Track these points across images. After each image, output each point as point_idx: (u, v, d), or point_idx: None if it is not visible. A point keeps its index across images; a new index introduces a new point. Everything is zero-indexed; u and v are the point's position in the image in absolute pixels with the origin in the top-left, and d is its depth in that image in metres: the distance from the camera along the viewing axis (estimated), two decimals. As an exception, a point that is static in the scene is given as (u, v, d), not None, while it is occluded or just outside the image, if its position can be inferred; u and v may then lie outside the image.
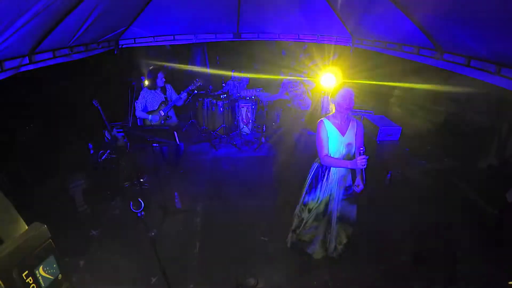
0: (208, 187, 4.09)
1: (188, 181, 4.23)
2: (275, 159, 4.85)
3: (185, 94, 3.74)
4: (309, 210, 2.54)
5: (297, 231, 2.70)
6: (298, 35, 5.49)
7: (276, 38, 5.72)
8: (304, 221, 2.60)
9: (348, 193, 2.51)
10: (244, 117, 5.74)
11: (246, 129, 5.87)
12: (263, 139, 5.43)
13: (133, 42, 5.06)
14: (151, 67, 3.88)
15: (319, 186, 2.45)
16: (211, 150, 5.20)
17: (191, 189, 4.03)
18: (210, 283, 2.63)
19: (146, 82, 4.08)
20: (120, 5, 3.54)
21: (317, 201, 2.48)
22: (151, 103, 3.78)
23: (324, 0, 4.32)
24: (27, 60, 2.84)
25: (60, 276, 2.49)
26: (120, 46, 4.95)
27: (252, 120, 5.85)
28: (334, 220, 2.55)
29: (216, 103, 5.48)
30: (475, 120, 5.02)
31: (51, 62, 3.26)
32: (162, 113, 3.79)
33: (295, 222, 2.75)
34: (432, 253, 2.89)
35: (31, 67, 2.92)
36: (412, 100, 6.30)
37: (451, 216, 3.49)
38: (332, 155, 2.32)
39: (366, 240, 3.13)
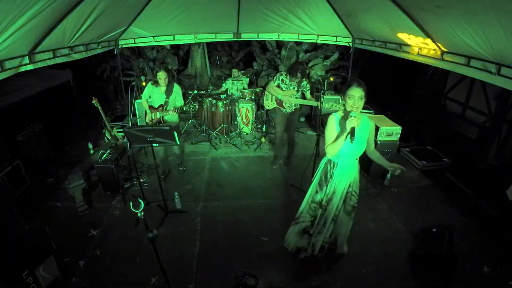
0: (208, 187, 4.09)
1: (188, 181, 4.23)
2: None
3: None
4: (321, 206, 2.53)
5: (311, 231, 2.67)
6: (298, 35, 5.49)
7: (276, 38, 5.72)
8: (317, 218, 2.58)
9: (351, 203, 2.49)
10: (244, 117, 5.74)
11: (246, 129, 5.87)
12: (263, 139, 5.43)
13: (133, 42, 5.06)
14: (154, 68, 3.88)
15: (328, 183, 2.43)
16: (211, 150, 5.20)
17: (191, 189, 4.03)
18: (210, 283, 2.63)
19: (144, 84, 4.09)
20: (120, 5, 3.54)
21: (326, 197, 2.47)
22: (153, 98, 3.82)
23: (324, 0, 4.32)
24: (27, 60, 2.84)
25: (60, 276, 2.50)
26: (120, 46, 4.96)
27: (252, 120, 5.85)
28: (330, 218, 2.53)
29: (216, 103, 5.48)
30: (475, 120, 5.03)
31: (51, 62, 3.26)
32: (158, 115, 3.80)
33: (307, 222, 2.68)
34: (432, 253, 2.89)
35: (31, 67, 2.91)
36: (413, 100, 6.31)
37: (451, 216, 3.50)
38: (340, 152, 2.27)
39: (366, 240, 3.13)
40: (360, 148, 2.29)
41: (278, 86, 4.02)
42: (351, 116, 2.03)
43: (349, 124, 2.02)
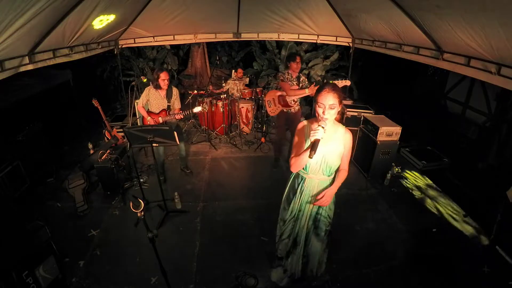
0: (208, 187, 4.09)
1: (188, 181, 4.23)
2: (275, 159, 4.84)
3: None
4: (285, 225, 2.30)
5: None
6: (298, 35, 5.49)
7: (276, 38, 5.73)
8: (285, 239, 2.35)
9: (322, 227, 2.20)
10: (244, 117, 5.74)
11: (246, 129, 5.87)
12: (263, 139, 5.43)
13: (133, 42, 5.07)
14: (154, 68, 3.83)
15: (294, 200, 2.18)
16: (211, 150, 5.20)
17: (191, 189, 4.03)
18: (210, 283, 2.63)
19: (145, 80, 4.05)
20: (120, 5, 3.54)
21: (291, 216, 2.23)
22: (153, 103, 3.73)
23: (324, 0, 4.32)
24: (27, 60, 2.84)
25: (60, 276, 2.50)
26: (120, 46, 4.96)
27: (252, 120, 5.85)
28: (301, 241, 2.26)
29: (216, 103, 5.49)
30: (475, 120, 5.03)
31: (51, 62, 3.26)
32: (160, 120, 3.73)
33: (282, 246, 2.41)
34: (432, 253, 2.89)
35: (31, 67, 2.91)
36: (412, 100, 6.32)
37: (451, 216, 3.50)
38: (309, 166, 2.00)
39: (366, 240, 3.13)
40: (331, 164, 1.99)
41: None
42: (318, 127, 1.73)
43: (313, 136, 1.72)
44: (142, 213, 1.78)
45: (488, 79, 2.68)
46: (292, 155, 1.98)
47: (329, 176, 2.05)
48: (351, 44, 5.36)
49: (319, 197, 2.03)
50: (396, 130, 4.02)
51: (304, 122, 2.04)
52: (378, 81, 7.17)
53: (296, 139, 2.03)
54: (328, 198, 2.02)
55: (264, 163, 4.77)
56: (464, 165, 4.49)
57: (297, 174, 2.14)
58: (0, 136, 3.60)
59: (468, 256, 2.88)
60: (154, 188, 3.88)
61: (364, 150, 4.29)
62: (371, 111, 5.40)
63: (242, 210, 3.60)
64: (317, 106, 1.82)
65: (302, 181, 2.11)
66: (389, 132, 4.02)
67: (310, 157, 1.70)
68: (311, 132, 1.73)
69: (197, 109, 3.77)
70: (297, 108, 4.09)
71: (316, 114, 1.85)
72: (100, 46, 4.32)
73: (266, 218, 3.46)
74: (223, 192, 4.00)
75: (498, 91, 4.49)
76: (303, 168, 2.04)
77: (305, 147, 1.92)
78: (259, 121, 6.12)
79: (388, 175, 4.10)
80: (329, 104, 1.77)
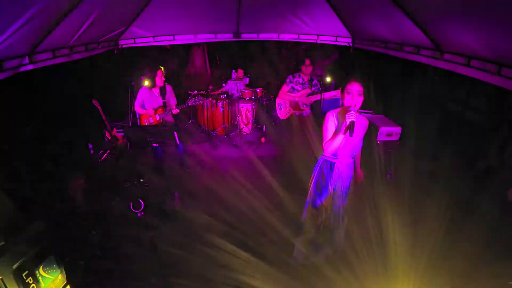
0: (208, 188, 4.08)
1: (188, 181, 4.23)
2: (275, 159, 4.85)
3: (178, 110, 3.75)
4: (326, 209, 2.49)
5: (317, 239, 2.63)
6: (298, 35, 5.49)
7: (276, 38, 5.73)
8: (322, 222, 2.55)
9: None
10: (244, 117, 5.74)
11: (246, 129, 5.87)
12: (263, 139, 5.43)
13: (133, 42, 5.07)
14: (150, 66, 3.86)
15: (327, 185, 2.38)
16: (211, 150, 5.20)
17: (191, 189, 4.03)
18: (210, 283, 2.62)
19: (146, 82, 4.08)
20: (120, 5, 3.54)
21: (327, 199, 2.42)
22: (148, 102, 3.74)
23: (324, 0, 4.33)
24: (27, 60, 2.84)
25: (60, 276, 2.50)
26: (120, 46, 4.96)
27: (252, 120, 5.85)
28: (341, 216, 2.49)
29: (216, 103, 5.48)
30: (475, 120, 5.03)
31: (51, 62, 3.26)
32: (157, 117, 3.75)
33: (310, 233, 2.63)
34: (432, 253, 2.89)
35: (31, 67, 2.91)
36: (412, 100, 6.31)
37: (451, 217, 3.49)
38: (338, 151, 2.24)
39: (366, 240, 3.13)
40: (356, 147, 2.31)
41: (290, 91, 3.92)
42: (350, 111, 2.00)
43: (348, 118, 1.98)
44: (142, 213, 1.79)
45: (488, 79, 2.69)
46: (325, 140, 2.21)
47: (352, 158, 2.37)
48: (351, 44, 5.36)
49: (359, 179, 2.66)
50: (396, 130, 4.03)
51: (331, 112, 2.27)
52: (378, 81, 7.16)
53: (325, 126, 2.24)
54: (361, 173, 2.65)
55: (264, 163, 4.76)
56: (464, 165, 4.49)
57: (325, 161, 2.36)
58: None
59: (468, 256, 2.88)
60: (154, 188, 3.87)
61: (364, 150, 4.29)
62: (371, 111, 5.40)
63: (242, 210, 3.60)
64: (346, 93, 2.11)
65: (331, 166, 2.33)
66: (389, 132, 4.02)
67: (350, 136, 1.98)
68: (347, 115, 1.99)
69: (192, 102, 3.81)
70: (308, 111, 4.06)
71: (345, 102, 2.13)
72: (100, 46, 4.32)
73: (267, 218, 3.45)
74: (223, 192, 3.99)
75: (498, 91, 4.48)
76: (333, 154, 2.29)
77: (335, 132, 2.18)
78: (259, 121, 6.12)
79: (388, 176, 4.09)
80: (357, 90, 2.06)
